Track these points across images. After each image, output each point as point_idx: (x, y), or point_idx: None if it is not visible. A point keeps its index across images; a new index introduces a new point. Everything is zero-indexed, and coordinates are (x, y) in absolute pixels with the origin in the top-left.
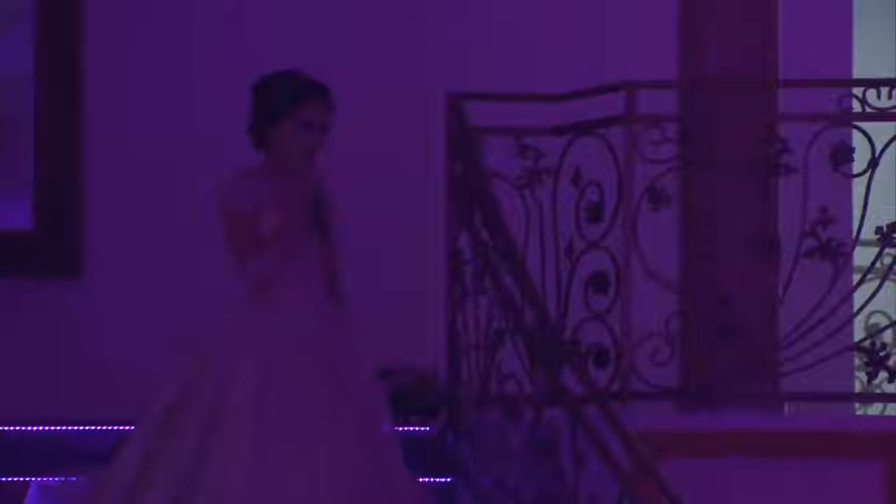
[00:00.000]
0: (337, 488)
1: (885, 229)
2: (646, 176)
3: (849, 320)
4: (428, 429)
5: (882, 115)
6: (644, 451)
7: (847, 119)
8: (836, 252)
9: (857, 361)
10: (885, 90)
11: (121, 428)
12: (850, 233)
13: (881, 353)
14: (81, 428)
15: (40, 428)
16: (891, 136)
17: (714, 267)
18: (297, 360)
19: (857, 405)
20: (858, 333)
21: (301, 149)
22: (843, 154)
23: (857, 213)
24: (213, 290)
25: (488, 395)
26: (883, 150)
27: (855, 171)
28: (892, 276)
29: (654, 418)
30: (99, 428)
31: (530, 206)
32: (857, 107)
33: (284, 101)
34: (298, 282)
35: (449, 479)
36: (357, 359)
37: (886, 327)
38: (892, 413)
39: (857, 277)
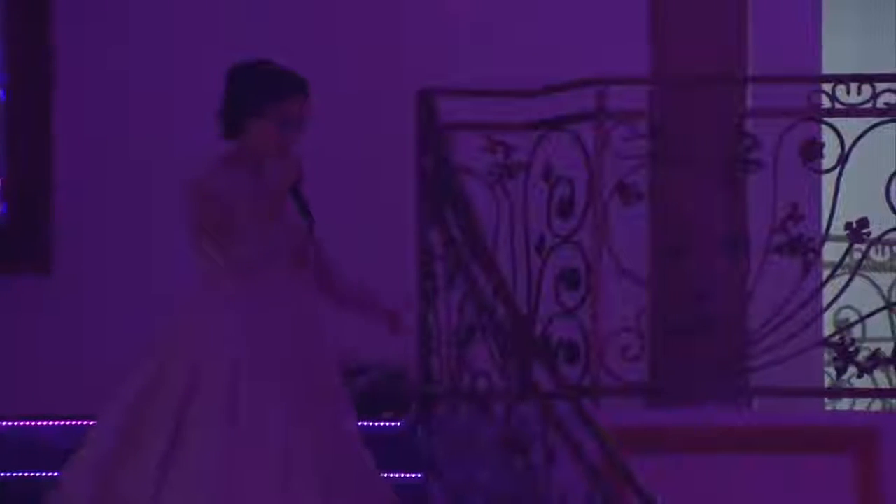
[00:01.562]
0: (311, 480)
1: (854, 225)
2: (616, 172)
3: (818, 315)
4: (399, 425)
5: (851, 111)
6: (615, 446)
7: (816, 115)
8: (805, 248)
9: (826, 357)
10: (854, 86)
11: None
12: (820, 228)
13: (850, 349)
14: (54, 423)
15: (11, 424)
16: (860, 131)
17: (684, 262)
18: (270, 357)
19: (826, 400)
20: (828, 329)
21: (279, 142)
22: (812, 150)
23: (826, 208)
24: (183, 285)
25: (459, 391)
26: (852, 146)
27: (824, 167)
28: (860, 272)
29: (624, 414)
30: (70, 423)
31: (501, 201)
32: (826, 102)
33: (267, 94)
34: (270, 274)
35: (420, 475)
36: (328, 353)
37: (855, 322)
38: (862, 408)
39: (826, 273)
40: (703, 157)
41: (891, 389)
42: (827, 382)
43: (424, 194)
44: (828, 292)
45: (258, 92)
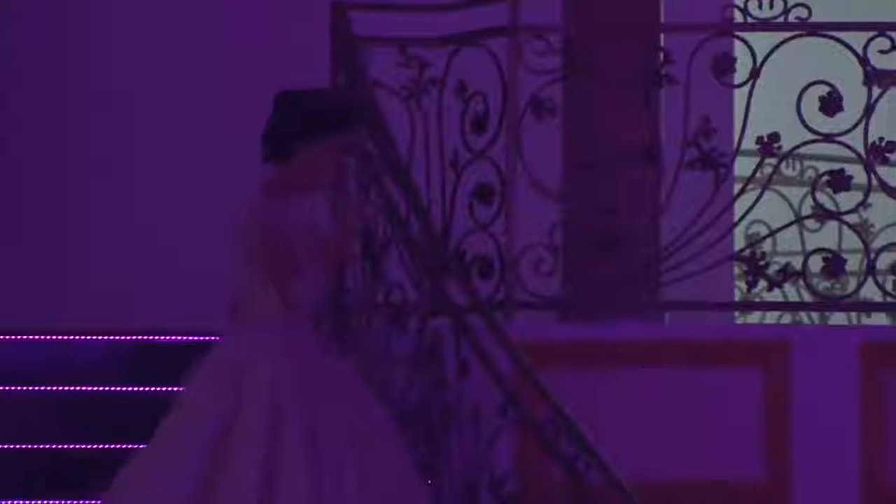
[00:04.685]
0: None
1: (765, 139)
2: (530, 87)
3: (729, 230)
4: None
5: (764, 26)
6: (527, 360)
7: (729, 29)
8: (717, 162)
9: (737, 271)
10: (766, 0)
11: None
12: (732, 143)
13: (761, 263)
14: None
15: None
16: (772, 46)
17: (597, 177)
18: (319, 380)
19: (737, 314)
20: (738, 243)
21: (333, 170)
22: (724, 64)
23: (738, 123)
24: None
25: (374, 304)
26: (764, 61)
27: (736, 82)
28: (771, 186)
29: (537, 328)
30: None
31: (415, 116)
32: (738, 17)
33: (332, 122)
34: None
35: None
36: (361, 389)
37: (766, 237)
38: (772, 321)
39: (737, 187)
40: (616, 72)
41: (800, 302)
42: (738, 296)
43: None
44: (739, 206)
45: (323, 118)
